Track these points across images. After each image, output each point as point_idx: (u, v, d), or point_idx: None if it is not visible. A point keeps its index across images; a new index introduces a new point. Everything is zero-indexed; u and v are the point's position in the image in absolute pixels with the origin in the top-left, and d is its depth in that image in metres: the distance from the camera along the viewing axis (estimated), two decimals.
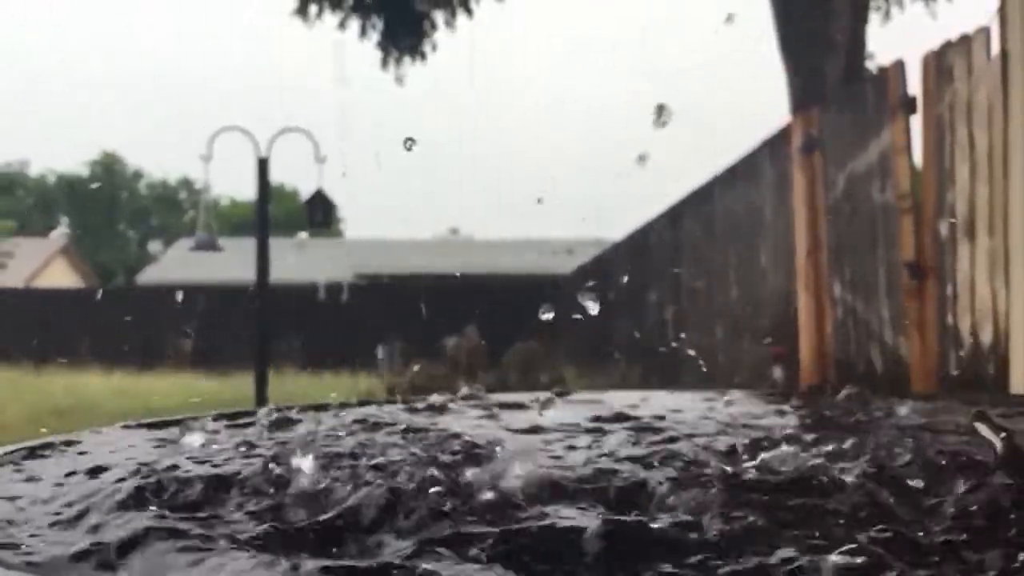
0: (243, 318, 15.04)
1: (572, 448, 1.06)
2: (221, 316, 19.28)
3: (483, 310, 16.48)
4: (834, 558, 0.63)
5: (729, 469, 0.88)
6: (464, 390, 1.59)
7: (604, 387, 1.82)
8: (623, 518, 0.74)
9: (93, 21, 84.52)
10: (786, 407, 1.41)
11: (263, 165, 12.31)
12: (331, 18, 13.16)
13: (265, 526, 0.74)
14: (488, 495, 0.80)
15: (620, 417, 1.26)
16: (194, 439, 1.11)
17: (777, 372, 7.14)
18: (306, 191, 15.18)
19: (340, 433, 1.14)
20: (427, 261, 28.41)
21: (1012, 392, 4.19)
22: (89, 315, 20.94)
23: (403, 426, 1.18)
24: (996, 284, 4.49)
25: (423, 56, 13.43)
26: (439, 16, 13.37)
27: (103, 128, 78.09)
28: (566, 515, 0.75)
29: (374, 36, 13.28)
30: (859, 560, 0.64)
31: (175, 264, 32.04)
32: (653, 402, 1.48)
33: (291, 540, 0.72)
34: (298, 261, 23.60)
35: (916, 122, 5.29)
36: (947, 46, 4.93)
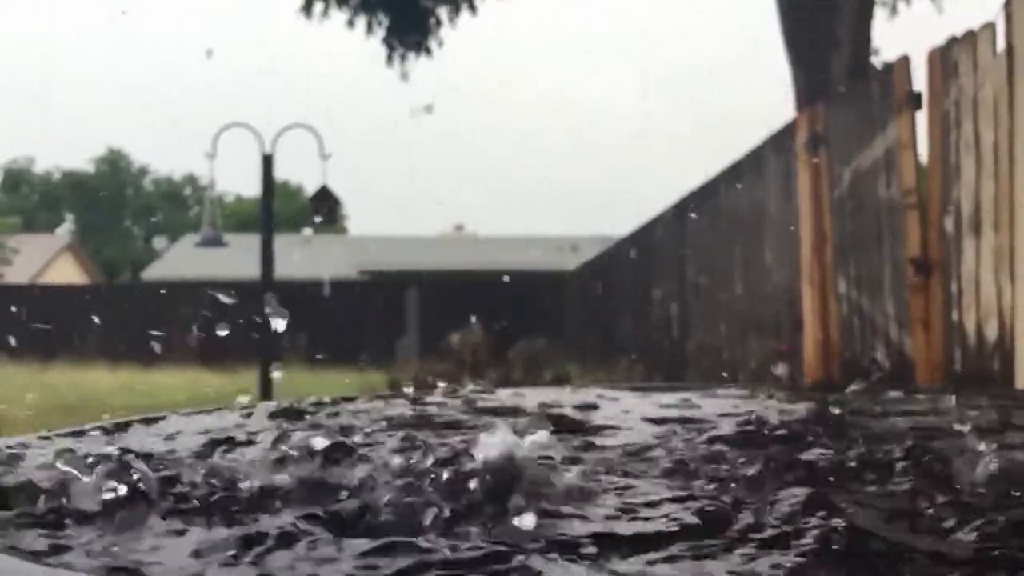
0: (249, 314, 15.04)
1: None
2: (227, 312, 19.25)
3: (487, 306, 16.49)
4: None
5: None
6: (470, 386, 1.59)
7: (609, 383, 1.83)
8: None
9: (97, 18, 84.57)
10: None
11: (268, 162, 12.32)
12: (337, 15, 13.19)
13: None
14: None
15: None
16: None
17: (782, 368, 7.14)
18: (311, 187, 15.20)
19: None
20: (432, 257, 28.43)
21: (1017, 388, 4.19)
22: (95, 311, 20.98)
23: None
24: (1001, 280, 4.49)
25: (428, 52, 13.44)
26: (443, 12, 13.38)
27: (108, 125, 78.18)
28: None
29: (380, 33, 13.30)
30: None
31: (180, 260, 32.09)
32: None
33: None
34: (303, 257, 23.62)
35: (922, 118, 5.28)
36: (953, 42, 4.93)
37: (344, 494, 0.81)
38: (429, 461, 0.85)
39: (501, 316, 14.68)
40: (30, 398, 11.26)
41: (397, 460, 0.88)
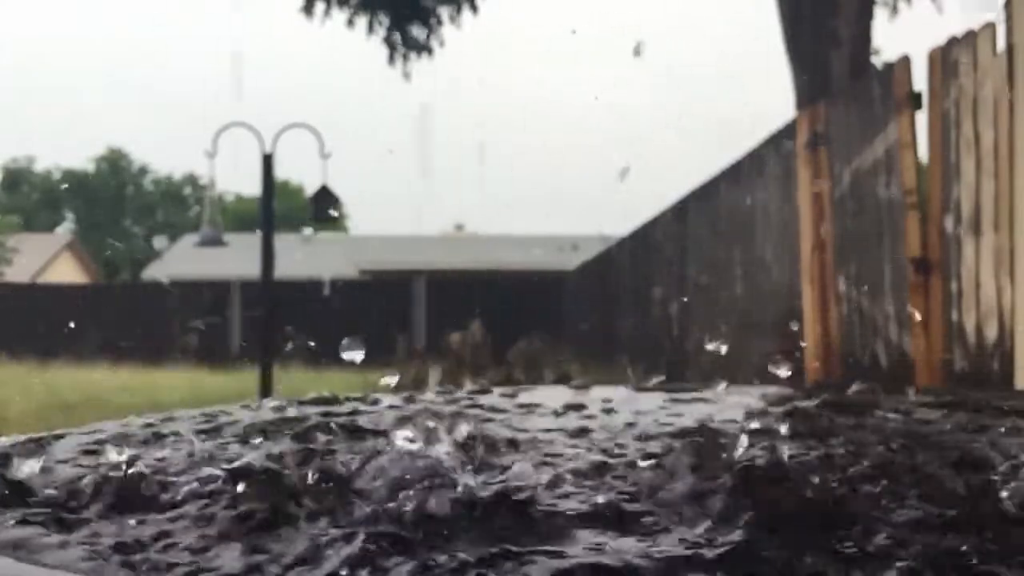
0: (248, 313, 15.07)
1: None
2: (226, 311, 19.32)
3: (488, 306, 16.50)
4: None
5: None
6: (469, 386, 1.59)
7: (610, 383, 1.83)
8: None
9: (98, 17, 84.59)
10: None
11: (268, 161, 12.32)
12: (338, 15, 13.19)
13: None
14: None
15: None
16: None
17: (782, 368, 7.13)
18: (311, 186, 15.21)
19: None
20: (432, 257, 28.42)
21: (1017, 388, 4.19)
22: (95, 310, 20.99)
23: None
24: (1001, 280, 4.49)
25: (430, 52, 13.44)
26: (444, 12, 13.38)
27: (109, 124, 78.19)
28: None
29: (381, 32, 13.30)
30: None
31: (180, 260, 32.10)
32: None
33: None
34: (303, 256, 23.63)
35: (922, 118, 5.28)
36: (953, 41, 4.93)
37: None
38: None
39: (501, 315, 14.70)
40: (30, 397, 11.25)
41: None
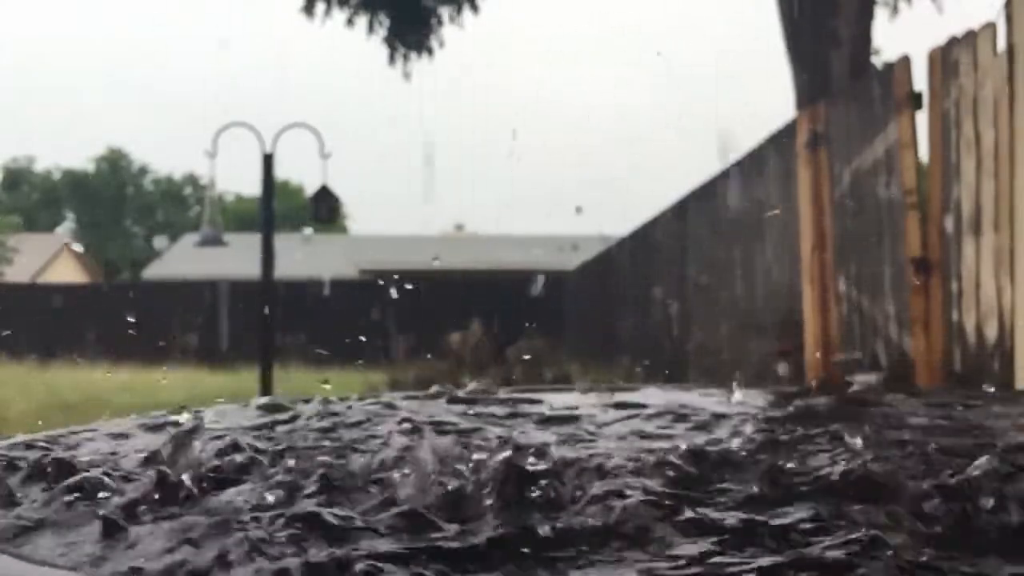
0: (248, 313, 15.08)
1: None
2: (226, 311, 19.32)
3: (488, 306, 16.49)
4: None
5: None
6: (472, 385, 1.59)
7: (610, 383, 1.83)
8: None
9: (99, 17, 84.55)
10: None
11: (268, 161, 12.32)
12: (338, 15, 13.18)
13: None
14: None
15: None
16: None
17: (782, 368, 7.14)
18: (311, 186, 15.22)
19: None
20: (432, 257, 28.42)
21: (1017, 388, 4.19)
22: (95, 310, 20.98)
23: None
24: (1001, 280, 4.49)
25: (430, 52, 13.43)
26: (444, 12, 13.37)
27: (109, 124, 78.17)
28: None
29: (381, 32, 13.29)
30: None
31: (180, 259, 32.10)
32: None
33: None
34: (303, 256, 23.64)
35: (922, 118, 5.28)
36: (953, 41, 4.93)
37: None
38: None
39: (501, 315, 14.70)
40: (30, 397, 11.26)
41: None
